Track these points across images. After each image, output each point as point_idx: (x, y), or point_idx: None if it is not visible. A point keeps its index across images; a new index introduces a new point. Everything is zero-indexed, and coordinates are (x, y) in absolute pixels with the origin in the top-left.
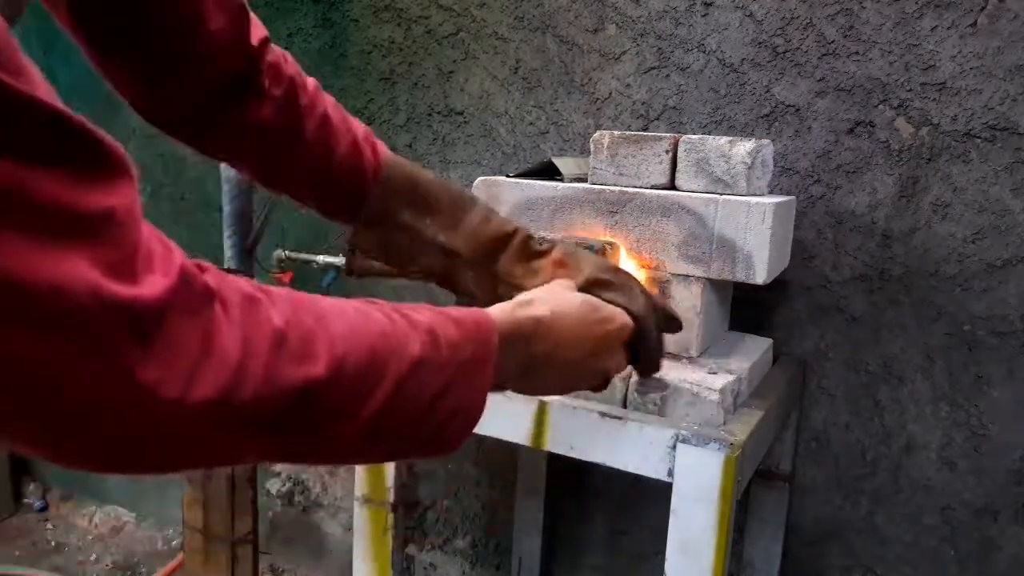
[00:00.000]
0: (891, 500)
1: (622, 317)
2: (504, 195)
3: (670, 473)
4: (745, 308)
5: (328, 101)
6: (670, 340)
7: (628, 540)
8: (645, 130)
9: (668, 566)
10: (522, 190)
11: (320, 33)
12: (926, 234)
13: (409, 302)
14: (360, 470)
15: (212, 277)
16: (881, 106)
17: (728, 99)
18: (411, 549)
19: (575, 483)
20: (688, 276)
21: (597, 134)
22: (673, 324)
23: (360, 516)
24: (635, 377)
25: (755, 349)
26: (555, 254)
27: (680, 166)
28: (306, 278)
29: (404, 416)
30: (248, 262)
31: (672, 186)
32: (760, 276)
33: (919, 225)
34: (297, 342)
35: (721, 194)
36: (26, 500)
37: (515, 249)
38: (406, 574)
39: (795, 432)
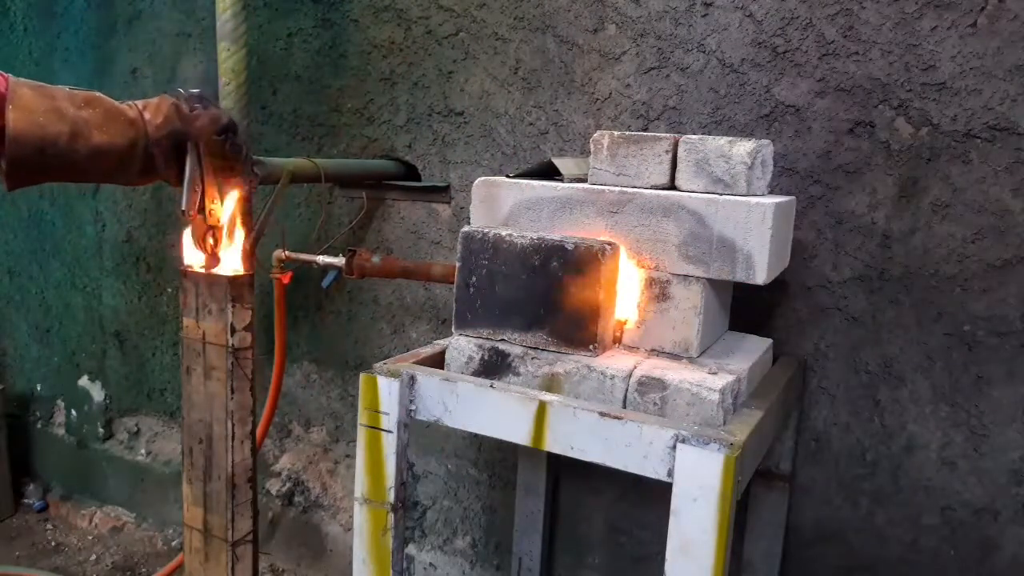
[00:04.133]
0: (891, 500)
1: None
2: (504, 195)
3: (670, 473)
4: (745, 308)
5: None
6: (671, 340)
7: (628, 540)
8: (645, 130)
9: (668, 566)
10: (522, 190)
11: (320, 33)
12: (926, 234)
13: (409, 301)
14: (360, 470)
15: None
16: (881, 106)
17: (728, 99)
18: (411, 549)
19: (575, 483)
20: (688, 276)
21: (597, 134)
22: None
23: (360, 516)
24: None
25: (755, 349)
26: None
27: (680, 166)
28: (306, 278)
29: None
30: (248, 262)
31: (672, 186)
32: (760, 276)
33: (919, 225)
34: None
35: (721, 194)
36: (26, 500)
37: None
38: (406, 574)
39: (795, 432)
